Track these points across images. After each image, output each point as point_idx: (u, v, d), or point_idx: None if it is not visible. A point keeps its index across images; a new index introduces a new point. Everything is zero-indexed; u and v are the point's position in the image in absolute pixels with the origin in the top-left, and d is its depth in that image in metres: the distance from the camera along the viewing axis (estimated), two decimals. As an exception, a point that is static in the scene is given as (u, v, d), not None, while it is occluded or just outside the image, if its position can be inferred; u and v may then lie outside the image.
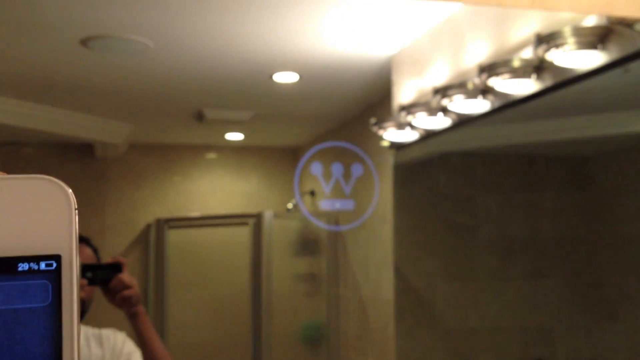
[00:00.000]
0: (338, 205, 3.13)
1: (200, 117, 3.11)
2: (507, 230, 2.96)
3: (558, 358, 2.93)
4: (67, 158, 3.23)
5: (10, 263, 0.36)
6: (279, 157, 3.63)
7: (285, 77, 2.76)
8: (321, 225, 3.27)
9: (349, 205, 3.11)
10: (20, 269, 0.36)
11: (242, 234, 3.39)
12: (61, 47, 2.40)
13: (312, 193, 3.43)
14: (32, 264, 0.36)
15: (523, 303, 2.94)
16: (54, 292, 0.36)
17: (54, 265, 0.37)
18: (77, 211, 0.37)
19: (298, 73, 2.71)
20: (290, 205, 3.48)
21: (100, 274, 1.66)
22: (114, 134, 3.18)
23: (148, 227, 3.38)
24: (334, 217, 3.33)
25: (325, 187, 3.13)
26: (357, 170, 3.08)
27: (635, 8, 1.37)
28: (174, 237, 3.40)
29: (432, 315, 2.96)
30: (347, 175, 3.12)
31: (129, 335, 1.73)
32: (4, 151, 3.15)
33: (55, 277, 0.36)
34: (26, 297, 0.36)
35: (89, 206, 3.14)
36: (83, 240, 1.74)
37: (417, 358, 2.88)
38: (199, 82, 2.81)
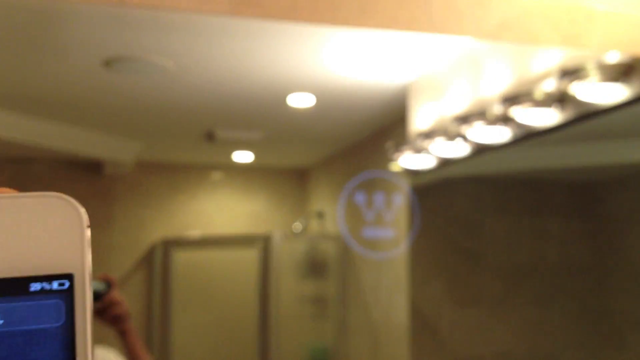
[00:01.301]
0: (379, 232, 3.15)
1: (210, 137, 3.12)
2: (514, 256, 2.97)
3: None
4: (76, 176, 3.23)
5: (22, 283, 0.36)
6: (287, 178, 3.63)
7: (300, 100, 2.79)
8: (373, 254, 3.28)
9: (387, 233, 3.13)
10: (32, 289, 0.36)
11: (250, 255, 3.39)
12: (83, 68, 2.44)
13: (320, 215, 3.44)
14: (44, 284, 0.36)
15: (529, 329, 2.92)
16: (67, 312, 0.36)
17: (67, 284, 0.36)
18: (89, 229, 0.37)
19: (313, 96, 2.74)
20: (298, 226, 3.49)
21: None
22: (124, 152, 3.19)
23: (154, 246, 3.37)
24: (342, 240, 3.33)
25: (366, 215, 3.15)
26: (396, 199, 3.10)
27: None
28: (181, 257, 3.39)
29: (438, 340, 2.97)
30: (387, 203, 3.13)
31: (119, 352, 1.74)
32: (13, 168, 3.15)
33: (68, 296, 0.36)
34: (39, 318, 0.36)
35: (96, 224, 3.14)
36: None
37: None
38: (213, 103, 2.84)
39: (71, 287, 0.36)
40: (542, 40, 1.45)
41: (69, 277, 0.36)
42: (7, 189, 0.37)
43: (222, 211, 3.52)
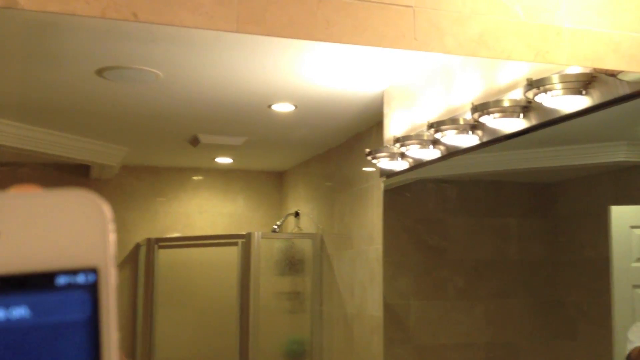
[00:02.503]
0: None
1: (195, 141, 3.26)
2: (476, 252, 3.13)
3: None
4: (63, 179, 3.32)
5: (48, 277, 0.36)
6: (265, 180, 3.77)
7: (281, 107, 2.95)
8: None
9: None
10: (58, 282, 0.36)
11: (230, 254, 3.54)
12: (77, 77, 2.56)
13: (297, 214, 3.60)
14: (70, 277, 0.36)
15: (490, 320, 3.09)
16: (92, 305, 0.36)
17: (92, 278, 0.36)
18: (113, 224, 0.38)
19: (293, 104, 2.90)
20: (275, 226, 3.64)
21: None
22: (111, 157, 3.30)
23: (138, 246, 3.48)
24: (318, 238, 3.50)
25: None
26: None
27: (623, 63, 1.62)
28: (164, 256, 3.50)
29: (407, 332, 3.11)
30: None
31: None
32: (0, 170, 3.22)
33: (93, 289, 0.36)
34: (65, 311, 0.36)
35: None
36: None
37: None
38: (198, 110, 2.98)
39: (96, 280, 0.37)
40: (515, 56, 1.66)
41: (94, 270, 0.37)
42: (33, 186, 0.38)
43: (203, 212, 3.65)
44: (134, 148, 3.37)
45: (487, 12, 1.71)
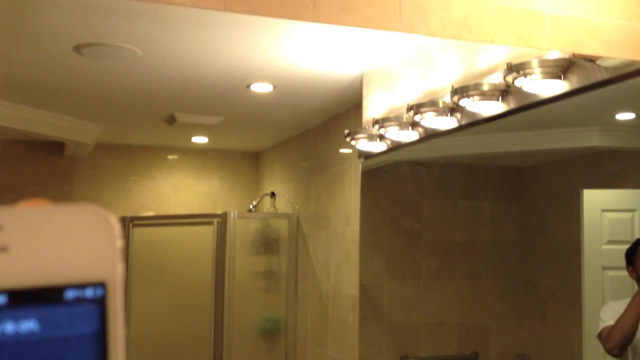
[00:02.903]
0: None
1: (171, 120, 3.26)
2: (450, 234, 3.17)
3: (492, 352, 3.13)
4: (37, 156, 3.31)
5: (57, 291, 0.36)
6: (242, 160, 3.78)
7: (260, 87, 2.94)
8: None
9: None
10: (67, 296, 0.36)
11: (206, 233, 3.55)
12: (55, 54, 2.52)
13: (273, 194, 3.62)
14: (79, 292, 0.36)
15: (462, 301, 3.14)
16: (101, 319, 0.37)
17: (101, 292, 0.37)
18: (121, 240, 0.38)
19: (272, 84, 2.90)
20: (251, 206, 3.66)
21: None
22: (85, 134, 3.28)
23: (113, 224, 3.47)
24: (294, 218, 3.52)
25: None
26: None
27: (602, 48, 1.66)
28: (139, 235, 3.51)
29: (381, 311, 3.14)
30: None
31: None
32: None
33: (101, 304, 0.37)
34: (73, 325, 0.36)
35: (57, 202, 3.22)
36: None
37: (366, 350, 3.04)
38: (175, 88, 2.96)
39: (105, 295, 0.37)
40: (498, 40, 1.69)
41: (103, 285, 0.37)
42: (42, 201, 0.38)
43: (178, 191, 3.65)
44: (109, 126, 3.35)
45: (472, -4, 1.74)
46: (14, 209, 0.37)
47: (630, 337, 2.32)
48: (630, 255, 2.48)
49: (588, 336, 2.60)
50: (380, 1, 1.66)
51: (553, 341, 2.90)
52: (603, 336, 2.41)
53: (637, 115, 2.36)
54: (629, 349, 2.35)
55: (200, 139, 3.68)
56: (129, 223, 3.47)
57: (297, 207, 3.50)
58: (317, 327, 3.37)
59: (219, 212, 3.53)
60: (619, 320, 2.35)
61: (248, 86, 2.91)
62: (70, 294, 0.36)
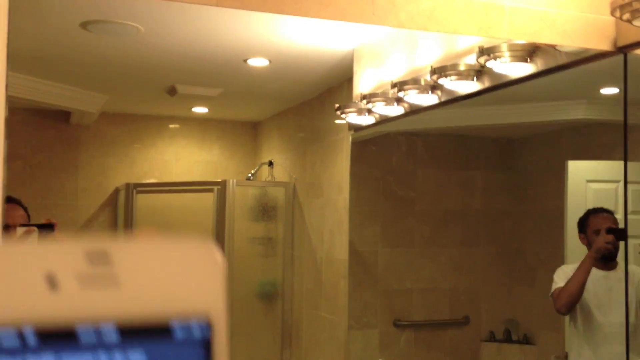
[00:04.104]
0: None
1: (172, 91, 3.37)
2: (443, 203, 3.28)
3: (482, 316, 3.26)
4: (44, 124, 3.42)
5: (164, 325, 0.36)
6: (240, 130, 3.87)
7: (256, 62, 3.06)
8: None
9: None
10: (175, 332, 0.36)
11: (206, 200, 3.67)
12: (62, 30, 2.67)
13: (270, 163, 3.73)
14: (186, 327, 0.36)
15: (454, 268, 3.25)
16: (206, 356, 0.36)
17: (207, 330, 0.37)
18: (226, 273, 0.38)
19: (268, 59, 3.02)
20: (249, 175, 3.76)
21: None
22: (91, 104, 3.40)
23: (117, 190, 3.60)
24: (291, 186, 3.63)
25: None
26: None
27: (558, 37, 1.76)
28: (142, 201, 3.62)
29: (373, 276, 3.25)
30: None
31: None
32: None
33: (208, 341, 0.37)
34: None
35: (63, 169, 3.34)
36: (15, 201, 1.99)
37: (359, 313, 3.16)
38: (177, 62, 3.09)
39: (211, 331, 0.37)
40: (461, 31, 1.81)
41: (208, 319, 0.37)
42: (152, 232, 0.39)
43: (180, 159, 3.76)
44: (114, 96, 3.47)
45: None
46: (125, 242, 0.37)
47: (576, 298, 2.45)
48: (581, 224, 2.59)
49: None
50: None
51: (541, 306, 3.01)
52: (554, 296, 2.53)
53: (619, 90, 2.45)
54: (577, 308, 2.49)
55: (200, 109, 3.79)
56: (132, 190, 3.58)
57: (293, 175, 3.60)
58: (312, 290, 3.49)
59: (219, 179, 3.65)
60: (567, 283, 2.47)
61: (245, 60, 3.03)
62: (178, 331, 0.36)
